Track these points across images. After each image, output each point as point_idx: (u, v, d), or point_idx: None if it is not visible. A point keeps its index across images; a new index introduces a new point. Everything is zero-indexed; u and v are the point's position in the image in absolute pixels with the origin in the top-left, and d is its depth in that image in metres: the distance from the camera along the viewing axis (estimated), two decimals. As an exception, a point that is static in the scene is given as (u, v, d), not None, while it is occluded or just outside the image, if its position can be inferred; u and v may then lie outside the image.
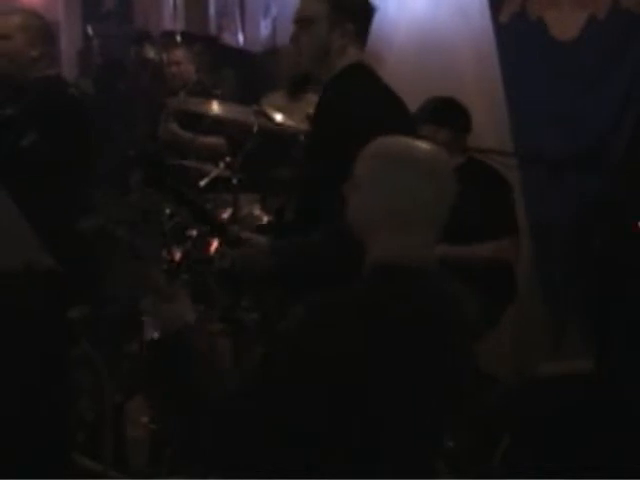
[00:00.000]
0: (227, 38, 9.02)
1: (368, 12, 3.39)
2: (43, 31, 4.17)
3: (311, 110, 3.81)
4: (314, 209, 3.17)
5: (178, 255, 4.10)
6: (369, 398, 2.13)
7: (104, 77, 8.17)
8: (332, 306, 2.17)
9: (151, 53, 7.29)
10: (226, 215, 4.40)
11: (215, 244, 4.14)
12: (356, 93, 3.22)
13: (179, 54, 6.58)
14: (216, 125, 5.44)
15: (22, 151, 3.73)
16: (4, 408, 1.84)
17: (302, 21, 3.29)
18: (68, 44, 14.46)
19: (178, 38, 7.84)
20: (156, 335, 3.49)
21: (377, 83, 3.36)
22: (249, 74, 7.28)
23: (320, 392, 2.10)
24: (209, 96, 5.38)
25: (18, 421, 1.83)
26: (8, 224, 1.66)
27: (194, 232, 4.22)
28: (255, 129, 4.37)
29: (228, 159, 4.58)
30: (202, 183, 4.47)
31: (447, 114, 4.44)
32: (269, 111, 4.62)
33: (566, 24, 5.05)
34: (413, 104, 4.72)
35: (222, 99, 5.20)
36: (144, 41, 8.08)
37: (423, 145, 2.35)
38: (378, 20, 5.78)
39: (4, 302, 1.37)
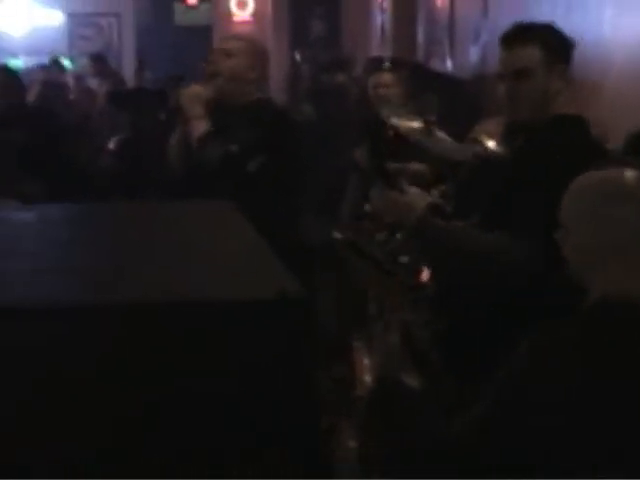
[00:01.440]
0: (435, 64, 9.03)
1: (573, 47, 3.34)
2: (262, 57, 4.35)
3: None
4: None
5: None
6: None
7: (316, 102, 8.29)
8: (557, 346, 2.14)
9: (341, 78, 7.36)
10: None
11: (426, 272, 4.12)
12: (566, 147, 3.17)
13: (386, 77, 6.61)
14: (422, 151, 5.41)
15: (249, 175, 3.82)
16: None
17: (518, 73, 3.25)
18: (276, 69, 14.82)
19: (386, 64, 7.90)
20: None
21: (588, 137, 3.30)
22: (455, 100, 7.25)
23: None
24: (418, 121, 5.36)
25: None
26: (257, 253, 1.69)
27: (405, 259, 4.21)
28: (470, 157, 4.33)
29: (442, 187, 4.54)
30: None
31: None
32: (483, 139, 4.57)
33: None
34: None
35: (432, 125, 5.17)
36: (336, 67, 8.19)
37: (629, 173, 2.26)
38: (593, 44, 5.66)
39: (260, 330, 1.40)
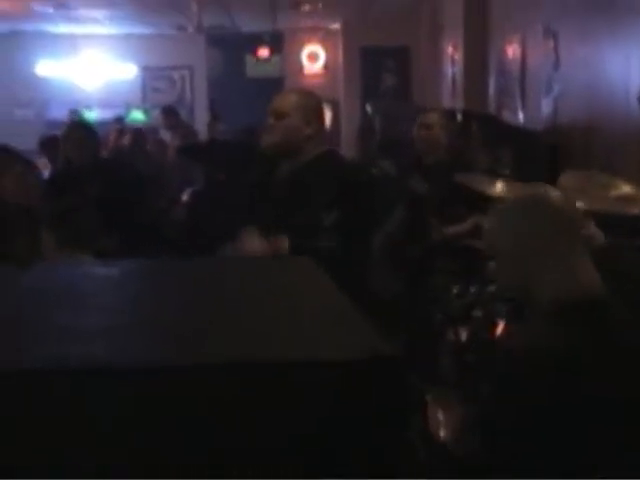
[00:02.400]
0: (507, 116, 9.00)
1: None
2: (318, 110, 4.32)
3: None
4: None
5: (464, 335, 4.09)
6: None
7: (390, 155, 8.30)
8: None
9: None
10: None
11: (501, 325, 4.10)
12: None
13: (433, 118, 6.61)
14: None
15: (324, 230, 3.82)
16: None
17: None
18: (348, 122, 14.90)
19: (459, 116, 7.90)
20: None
21: None
22: (528, 152, 7.21)
23: None
24: (493, 175, 5.36)
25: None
26: (343, 310, 1.69)
27: (480, 313, 4.19)
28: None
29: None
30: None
31: None
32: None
33: None
34: None
35: (507, 179, 5.17)
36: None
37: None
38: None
39: (347, 392, 1.39)
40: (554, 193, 2.54)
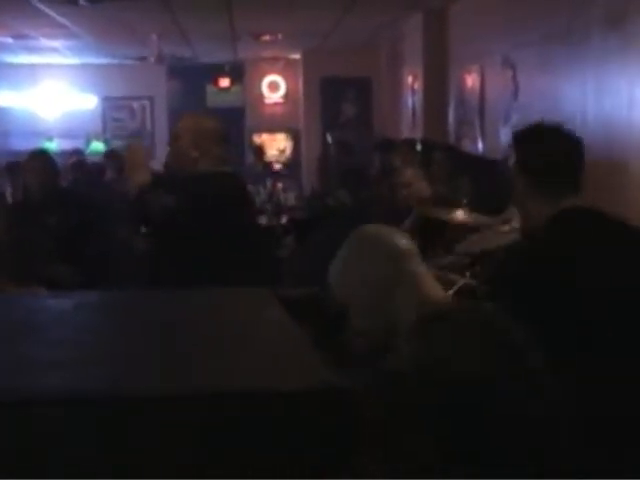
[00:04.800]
0: (467, 145, 9.07)
1: None
2: (208, 133, 4.57)
3: None
4: None
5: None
6: None
7: (346, 185, 8.31)
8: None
9: (396, 161, 7.38)
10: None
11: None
12: None
13: (409, 174, 6.60)
14: (458, 233, 5.42)
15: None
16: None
17: None
18: (308, 151, 14.94)
19: (418, 146, 7.93)
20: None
21: None
22: (487, 182, 7.26)
23: None
24: (452, 206, 5.39)
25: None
26: (295, 341, 1.68)
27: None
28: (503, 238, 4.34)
29: (477, 268, 4.55)
30: (450, 292, 4.45)
31: None
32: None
33: None
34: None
35: (466, 208, 5.20)
36: (388, 149, 8.19)
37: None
38: (625, 126, 5.66)
39: (302, 421, 1.39)
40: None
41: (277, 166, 15.55)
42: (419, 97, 10.89)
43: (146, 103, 16.98)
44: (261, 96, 16.81)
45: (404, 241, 2.63)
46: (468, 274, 4.60)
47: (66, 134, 15.85)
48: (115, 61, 15.68)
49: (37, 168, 6.79)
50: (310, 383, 1.41)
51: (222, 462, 1.41)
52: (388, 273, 2.53)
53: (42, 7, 9.74)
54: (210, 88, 16.78)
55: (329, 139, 13.42)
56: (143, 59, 14.12)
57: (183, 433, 1.40)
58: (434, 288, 2.65)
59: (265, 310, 1.93)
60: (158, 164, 13.60)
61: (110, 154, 11.47)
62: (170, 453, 1.41)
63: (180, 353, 1.71)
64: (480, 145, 8.81)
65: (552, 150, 3.27)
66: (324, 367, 1.47)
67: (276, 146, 16.53)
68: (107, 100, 16.80)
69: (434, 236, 5.69)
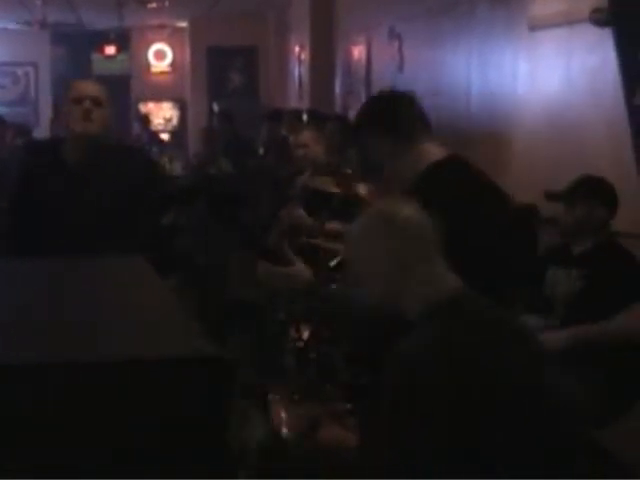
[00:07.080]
0: (353, 116, 9.08)
1: None
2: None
3: None
4: None
5: (306, 334, 4.08)
6: None
7: (233, 155, 8.27)
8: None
9: (283, 131, 7.36)
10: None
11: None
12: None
13: (307, 136, 6.60)
14: (345, 205, 5.43)
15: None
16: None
17: None
18: (195, 121, 14.82)
19: (304, 117, 7.92)
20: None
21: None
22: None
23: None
24: (341, 176, 5.39)
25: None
26: (171, 310, 1.67)
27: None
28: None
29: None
30: (332, 263, 4.46)
31: (602, 192, 4.37)
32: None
33: None
34: (545, 184, 4.69)
35: (351, 177, 5.21)
36: (276, 119, 8.15)
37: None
38: (509, 100, 5.74)
39: (175, 386, 1.38)
40: (403, 206, 2.56)
41: (163, 135, 15.40)
42: (306, 67, 10.88)
43: (30, 69, 16.63)
44: (147, 64, 16.60)
45: (419, 215, 2.58)
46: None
47: (-55, 99, 15.46)
48: (-3, 25, 15.32)
49: None
50: (183, 351, 1.41)
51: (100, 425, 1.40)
52: (405, 247, 2.49)
53: None
54: (96, 56, 16.52)
55: (215, 108, 13.33)
56: (27, 24, 13.81)
57: (62, 401, 1.40)
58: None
59: (142, 279, 1.91)
60: (42, 130, 13.44)
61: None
62: (41, 420, 1.40)
63: (58, 322, 1.70)
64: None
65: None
66: (197, 336, 1.47)
67: (162, 115, 16.36)
68: (-11, 65, 16.42)
69: (321, 206, 5.70)
